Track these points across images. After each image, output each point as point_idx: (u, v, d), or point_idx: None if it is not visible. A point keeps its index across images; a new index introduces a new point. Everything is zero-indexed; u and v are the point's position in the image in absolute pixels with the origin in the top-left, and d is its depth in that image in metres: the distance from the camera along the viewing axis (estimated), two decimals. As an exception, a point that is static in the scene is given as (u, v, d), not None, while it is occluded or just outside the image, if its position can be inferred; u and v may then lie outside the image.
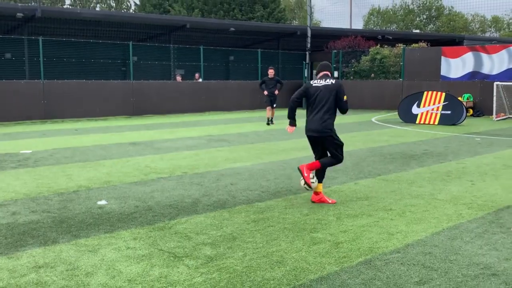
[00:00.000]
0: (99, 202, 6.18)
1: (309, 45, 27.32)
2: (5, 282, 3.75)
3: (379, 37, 30.16)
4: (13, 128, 15.73)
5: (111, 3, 59.23)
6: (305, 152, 10.13)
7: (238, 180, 7.50)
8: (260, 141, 12.13)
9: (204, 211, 5.79)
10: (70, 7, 48.41)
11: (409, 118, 17.02)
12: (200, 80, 23.07)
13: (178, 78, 23.13)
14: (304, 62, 26.66)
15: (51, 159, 9.43)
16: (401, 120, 17.32)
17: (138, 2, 46.73)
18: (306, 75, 26.33)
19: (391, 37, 30.52)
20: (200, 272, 3.95)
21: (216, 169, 8.45)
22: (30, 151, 10.51)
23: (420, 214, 5.60)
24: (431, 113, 16.47)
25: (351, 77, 25.47)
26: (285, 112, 6.76)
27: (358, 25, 72.94)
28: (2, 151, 10.45)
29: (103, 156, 9.87)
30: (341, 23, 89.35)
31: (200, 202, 6.20)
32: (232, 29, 25.57)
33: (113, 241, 4.71)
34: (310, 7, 27.76)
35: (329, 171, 8.08)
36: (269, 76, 16.48)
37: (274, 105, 16.50)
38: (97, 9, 52.23)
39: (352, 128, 15.35)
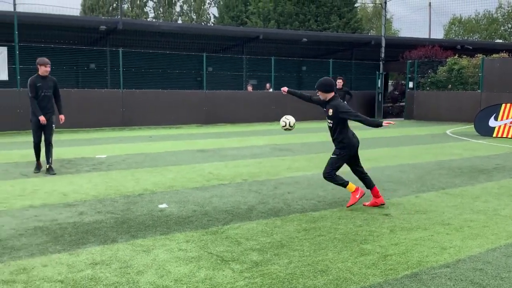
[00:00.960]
0: (161, 206, 6.48)
1: (383, 55, 26.87)
2: (63, 276, 4.06)
3: (458, 47, 29.04)
4: (92, 134, 16.74)
5: (192, 15, 61.46)
6: (369, 163, 10.01)
7: (296, 189, 7.57)
8: (324, 151, 12.09)
9: (258, 218, 5.91)
10: (153, 20, 50.67)
11: (485, 131, 16.25)
12: (271, 90, 23.35)
13: (249, 88, 23.56)
14: (377, 72, 26.22)
15: (123, 164, 9.97)
16: (477, 133, 16.58)
17: (217, 15, 48.19)
18: (379, 85, 25.87)
19: (471, 47, 29.28)
20: (244, 276, 4.06)
21: (276, 177, 8.56)
22: (105, 156, 11.16)
23: (478, 230, 5.39)
24: (510, 126, 15.63)
25: (427, 88, 24.71)
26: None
27: (439, 34, 70.56)
28: (80, 155, 11.18)
29: (172, 162, 10.29)
30: (421, 33, 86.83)
31: (255, 209, 6.34)
32: (305, 39, 25.69)
33: (167, 242, 4.95)
34: (385, 16, 27.34)
35: (390, 183, 7.94)
36: (338, 87, 16.34)
37: None
38: (179, 21, 54.29)
39: (424, 141, 14.90)
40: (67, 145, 13.43)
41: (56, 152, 11.64)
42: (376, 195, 6.49)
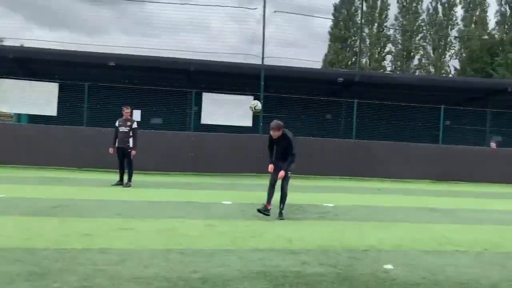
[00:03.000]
0: (385, 266, 6.00)
1: None
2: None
3: None
4: (320, 182, 17.07)
5: (430, 68, 59.64)
6: None
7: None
8: None
9: (502, 298, 4.98)
10: (390, 72, 50.59)
11: None
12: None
13: (493, 145, 21.27)
14: None
15: (349, 215, 9.76)
16: None
17: (458, 67, 45.79)
18: None
19: None
20: None
21: (526, 251, 7.25)
22: (333, 204, 11.13)
23: None
24: None
25: None
26: None
27: None
28: (308, 202, 11.39)
29: (399, 218, 9.68)
30: None
31: (499, 287, 5.37)
32: None
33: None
34: None
35: None
36: None
37: None
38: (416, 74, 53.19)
39: None
40: (299, 190, 13.89)
41: (293, 197, 12.13)
42: None
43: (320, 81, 21.10)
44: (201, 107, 17.87)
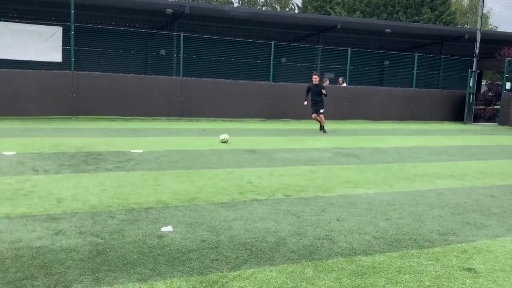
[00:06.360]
0: (163, 228, 4.98)
1: (477, 51, 23.83)
2: None
3: None
4: (146, 124, 15.71)
5: (276, 5, 59.89)
6: (452, 181, 7.97)
7: (349, 215, 5.78)
8: (397, 161, 10.11)
9: (282, 261, 4.23)
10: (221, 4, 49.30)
11: None
12: (344, 85, 21.28)
13: (326, 82, 21.61)
14: (469, 70, 23.27)
15: (154, 163, 8.62)
16: None
17: (300, 5, 46.35)
18: (471, 84, 22.93)
19: None
20: None
21: (328, 194, 6.80)
22: (141, 151, 9.90)
23: None
24: None
25: (528, 90, 21.51)
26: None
27: (543, 31, 63.82)
28: (113, 148, 10.01)
29: (211, 164, 8.80)
30: (522, 29, 79.46)
31: (285, 244, 4.66)
32: (388, 30, 23.25)
33: (136, 298, 3.42)
34: (482, 7, 24.20)
35: (477, 215, 5.89)
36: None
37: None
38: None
39: (522, 153, 12.37)
40: (111, 135, 12.39)
41: (89, 143, 10.61)
42: None
43: (146, 12, 19.16)
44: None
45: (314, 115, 15.40)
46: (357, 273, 4.04)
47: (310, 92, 15.32)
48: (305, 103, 15.39)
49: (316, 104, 15.26)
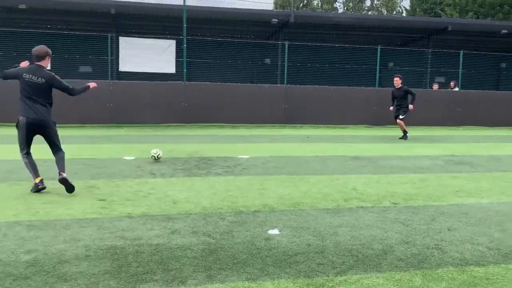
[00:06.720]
0: (270, 231, 5.13)
1: None
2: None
3: None
4: (251, 131, 16.14)
5: (382, 10, 58.56)
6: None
7: (461, 225, 5.54)
8: (516, 170, 9.45)
9: (389, 269, 4.18)
10: (325, 11, 49.22)
11: None
12: (456, 89, 20.25)
13: (435, 87, 20.72)
14: None
15: (260, 168, 8.87)
16: None
17: (408, 8, 44.99)
18: None
19: None
20: None
21: (438, 203, 6.56)
22: (248, 156, 10.22)
23: None
24: None
25: None
26: None
27: None
28: (222, 154, 10.43)
29: (314, 170, 8.86)
30: None
31: (392, 252, 4.59)
32: (504, 31, 21.81)
33: (245, 296, 3.58)
34: None
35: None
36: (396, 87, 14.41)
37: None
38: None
39: None
40: (220, 141, 12.92)
41: (200, 148, 11.15)
42: None
43: (252, 23, 19.72)
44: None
45: (398, 121, 14.68)
46: (469, 284, 3.88)
47: (394, 97, 14.73)
48: (391, 108, 14.80)
49: (398, 109, 14.56)
